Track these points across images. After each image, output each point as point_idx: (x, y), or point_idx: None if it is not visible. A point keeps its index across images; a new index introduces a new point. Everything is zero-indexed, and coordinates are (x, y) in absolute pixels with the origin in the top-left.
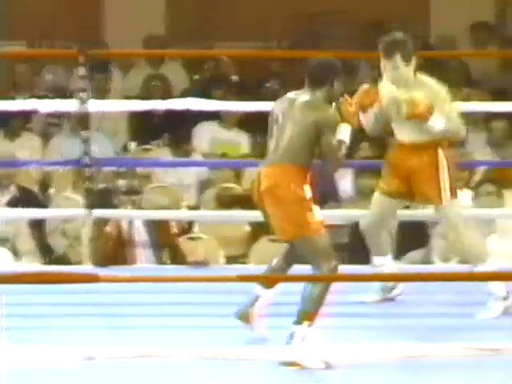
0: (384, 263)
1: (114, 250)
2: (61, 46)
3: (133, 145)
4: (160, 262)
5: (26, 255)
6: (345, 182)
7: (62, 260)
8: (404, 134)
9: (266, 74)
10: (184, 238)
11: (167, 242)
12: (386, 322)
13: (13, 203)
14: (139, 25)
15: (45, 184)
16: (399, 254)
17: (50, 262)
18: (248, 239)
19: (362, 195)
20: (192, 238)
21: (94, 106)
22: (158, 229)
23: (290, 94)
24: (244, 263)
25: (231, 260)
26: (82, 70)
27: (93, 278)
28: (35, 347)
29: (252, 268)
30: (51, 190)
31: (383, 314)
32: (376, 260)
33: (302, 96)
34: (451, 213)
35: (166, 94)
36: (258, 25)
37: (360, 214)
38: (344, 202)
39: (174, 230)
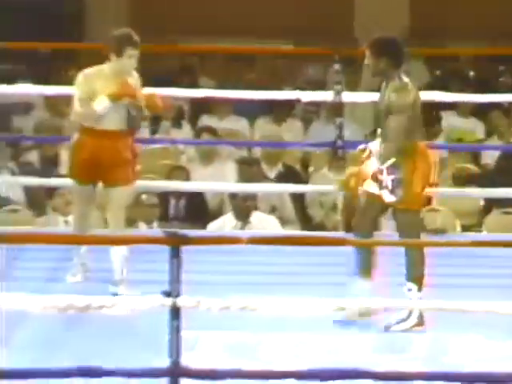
0: None
1: None
2: (318, 45)
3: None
4: None
5: (289, 223)
6: None
7: (319, 227)
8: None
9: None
10: (424, 210)
11: None
12: None
13: (279, 178)
14: (386, 24)
15: (305, 163)
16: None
17: (309, 229)
18: (482, 211)
19: None
20: (431, 210)
21: (347, 96)
22: None
23: None
24: (479, 231)
25: (467, 229)
26: (336, 66)
27: (341, 242)
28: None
29: (485, 236)
30: (310, 169)
31: None
32: None
33: None
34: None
35: None
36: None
37: None
38: None
39: None
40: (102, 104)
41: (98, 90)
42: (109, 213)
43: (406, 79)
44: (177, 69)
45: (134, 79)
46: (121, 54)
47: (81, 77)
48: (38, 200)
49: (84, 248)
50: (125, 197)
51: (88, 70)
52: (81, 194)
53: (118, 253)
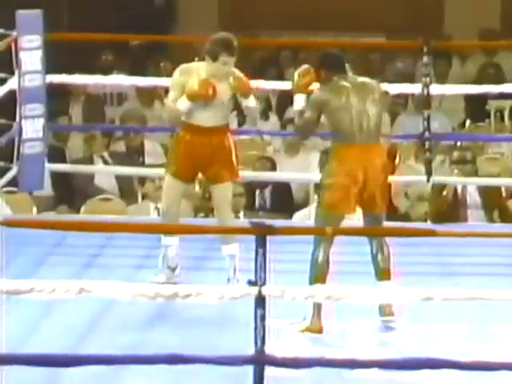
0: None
1: (449, 210)
2: (409, 39)
3: (468, 122)
4: (490, 220)
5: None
6: None
7: (405, 218)
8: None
9: None
10: None
11: (497, 204)
12: None
13: None
14: (476, 18)
15: (391, 154)
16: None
17: (395, 219)
18: None
19: None
20: None
21: (435, 89)
22: (489, 193)
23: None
24: None
25: None
26: (425, 59)
27: (430, 233)
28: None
29: None
30: (396, 160)
31: None
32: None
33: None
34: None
35: (499, 80)
36: None
37: None
38: None
39: (504, 194)
40: (183, 103)
41: (188, 87)
42: (216, 208)
43: (342, 83)
44: (265, 62)
45: (232, 80)
46: (215, 59)
47: (177, 72)
48: (129, 188)
49: (173, 252)
50: (229, 191)
51: (184, 66)
52: (174, 189)
53: (228, 251)
